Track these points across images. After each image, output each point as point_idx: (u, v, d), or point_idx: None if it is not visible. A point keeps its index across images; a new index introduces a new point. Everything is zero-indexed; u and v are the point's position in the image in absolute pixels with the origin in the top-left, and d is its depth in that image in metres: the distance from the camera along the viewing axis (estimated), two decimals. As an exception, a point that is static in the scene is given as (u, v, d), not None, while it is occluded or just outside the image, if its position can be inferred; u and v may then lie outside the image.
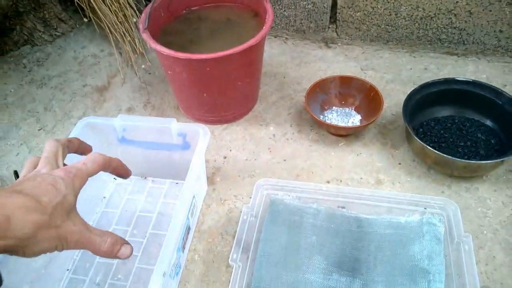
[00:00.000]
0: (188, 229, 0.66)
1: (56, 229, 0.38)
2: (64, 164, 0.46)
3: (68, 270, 0.67)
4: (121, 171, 0.50)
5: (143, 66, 1.05)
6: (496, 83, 0.76)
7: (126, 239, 0.69)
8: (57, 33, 1.18)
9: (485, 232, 0.66)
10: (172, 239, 0.53)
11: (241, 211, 0.70)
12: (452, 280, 0.59)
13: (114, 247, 0.42)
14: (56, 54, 1.14)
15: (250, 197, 0.72)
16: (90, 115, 0.80)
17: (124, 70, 1.06)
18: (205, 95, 0.80)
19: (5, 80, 1.07)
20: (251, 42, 0.72)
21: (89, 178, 0.45)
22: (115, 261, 0.67)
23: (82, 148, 0.51)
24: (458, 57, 0.99)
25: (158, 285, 0.48)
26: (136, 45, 1.04)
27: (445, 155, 0.67)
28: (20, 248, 0.36)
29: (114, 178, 0.79)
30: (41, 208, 0.37)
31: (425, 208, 0.67)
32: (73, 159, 0.48)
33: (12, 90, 1.04)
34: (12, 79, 1.07)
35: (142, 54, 1.06)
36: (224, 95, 0.81)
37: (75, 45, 1.16)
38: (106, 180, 0.78)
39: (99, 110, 0.96)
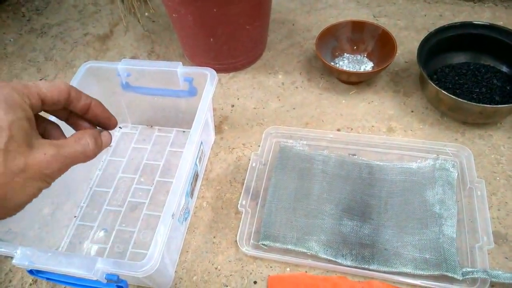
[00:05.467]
0: (196, 175, 0.65)
1: (23, 173, 0.29)
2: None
3: (75, 217, 0.66)
4: (101, 116, 0.39)
5: (146, 13, 1.01)
6: (514, 29, 0.73)
7: (134, 186, 0.69)
8: (56, -19, 1.13)
9: (498, 178, 0.65)
10: (181, 179, 0.51)
11: (249, 159, 0.69)
12: (464, 225, 0.59)
13: (97, 143, 0.36)
14: (55, 2, 1.10)
15: (259, 145, 0.71)
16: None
17: (126, 18, 1.02)
18: (212, 40, 0.77)
19: (4, 30, 1.03)
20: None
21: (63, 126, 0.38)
22: (123, 208, 0.66)
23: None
24: (475, 3, 0.95)
25: (167, 225, 0.48)
26: (138, -8, 1.00)
27: (461, 100, 0.64)
28: None
29: (120, 127, 0.78)
30: None
31: (437, 155, 0.66)
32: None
33: (11, 40, 1.01)
34: (11, 28, 1.04)
35: (145, 1, 1.02)
36: (231, 40, 0.78)
37: (75, -8, 1.12)
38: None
39: (102, 59, 0.93)
